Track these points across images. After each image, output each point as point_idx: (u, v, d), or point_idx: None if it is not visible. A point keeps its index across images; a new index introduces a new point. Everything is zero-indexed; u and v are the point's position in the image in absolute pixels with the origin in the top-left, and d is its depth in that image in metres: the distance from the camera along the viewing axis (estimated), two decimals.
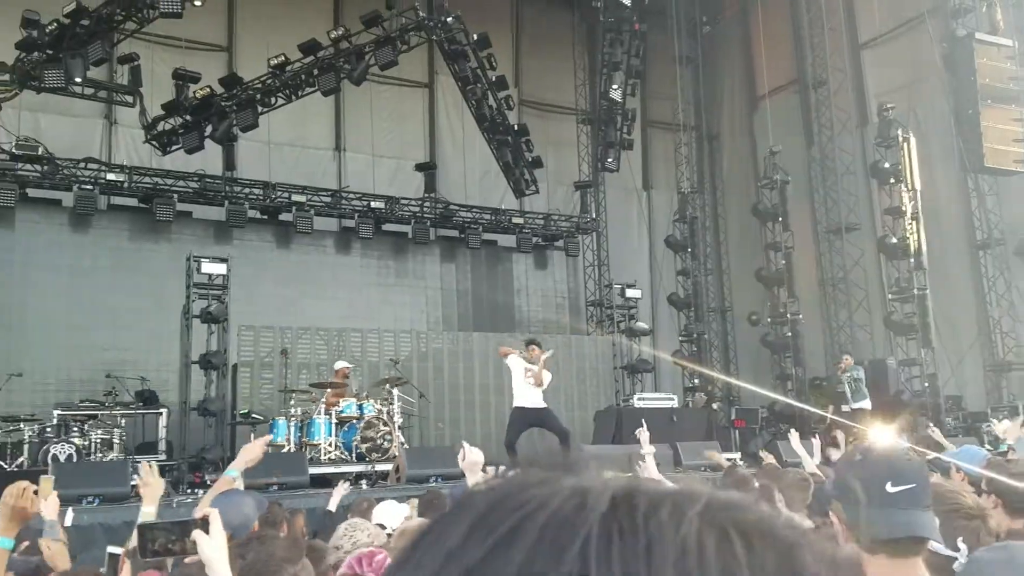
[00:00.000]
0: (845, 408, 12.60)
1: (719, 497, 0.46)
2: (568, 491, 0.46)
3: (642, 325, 16.72)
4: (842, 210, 16.68)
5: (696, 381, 17.34)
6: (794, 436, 7.22)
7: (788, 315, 16.52)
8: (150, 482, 3.44)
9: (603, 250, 18.61)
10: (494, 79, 15.34)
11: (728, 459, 9.32)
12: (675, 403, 14.63)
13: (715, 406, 16.08)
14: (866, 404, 12.49)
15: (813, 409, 14.40)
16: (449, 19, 14.36)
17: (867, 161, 16.24)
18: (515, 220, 17.19)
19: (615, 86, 16.78)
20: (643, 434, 6.04)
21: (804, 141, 18.00)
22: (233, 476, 3.75)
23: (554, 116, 19.08)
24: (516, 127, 16.15)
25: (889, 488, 1.78)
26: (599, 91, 17.52)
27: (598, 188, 18.70)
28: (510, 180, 16.48)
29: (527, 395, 9.45)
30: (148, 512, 3.26)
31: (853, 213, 16.62)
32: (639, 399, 14.56)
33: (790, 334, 16.61)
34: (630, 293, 16.61)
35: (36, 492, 2.87)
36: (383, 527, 4.45)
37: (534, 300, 18.02)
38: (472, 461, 3.73)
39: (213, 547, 2.02)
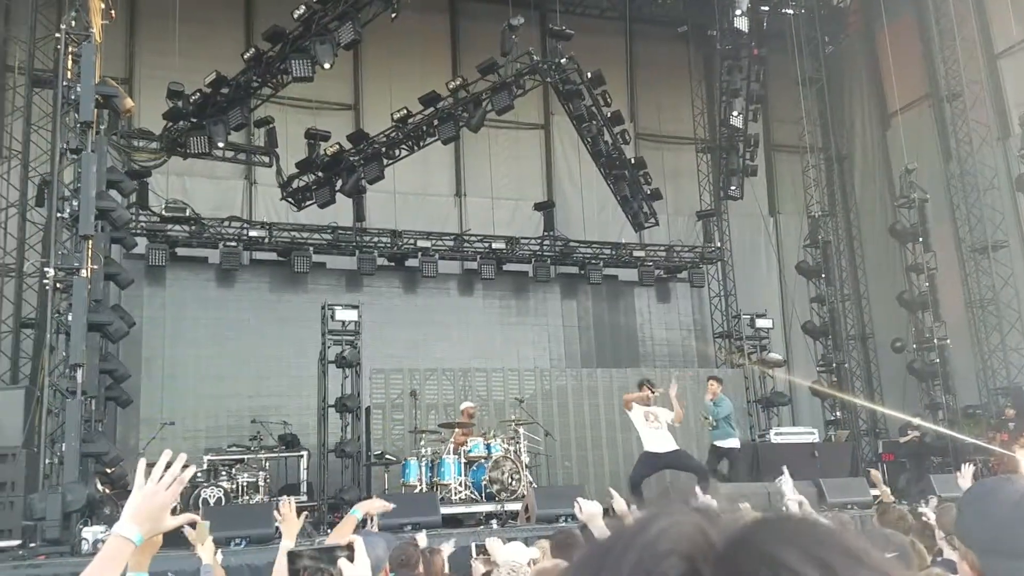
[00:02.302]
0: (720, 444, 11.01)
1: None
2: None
3: (775, 356, 16.11)
4: (987, 227, 15.66)
5: (839, 414, 16.50)
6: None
7: (935, 340, 15.56)
8: (289, 518, 3.53)
9: (729, 280, 18.16)
10: (609, 115, 15.40)
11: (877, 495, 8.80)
12: (816, 437, 13.93)
13: (926, 439, 14.53)
14: (733, 443, 10.97)
15: (968, 439, 13.45)
16: (563, 60, 14.57)
17: (1012, 175, 15.22)
18: (636, 253, 17.02)
19: (736, 113, 16.49)
20: (786, 483, 5.53)
21: (941, 157, 17.04)
22: (357, 516, 4.07)
23: (672, 147, 18.89)
24: (633, 161, 16.12)
25: None
26: (719, 119, 17.25)
27: (721, 217, 18.33)
28: (628, 214, 16.41)
29: (656, 440, 9.13)
30: (287, 547, 3.23)
31: (1000, 230, 15.59)
32: (776, 434, 13.96)
33: (938, 360, 15.61)
34: (760, 323, 16.08)
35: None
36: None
37: (658, 333, 17.73)
38: (590, 513, 3.73)
39: (358, 574, 2.07)
